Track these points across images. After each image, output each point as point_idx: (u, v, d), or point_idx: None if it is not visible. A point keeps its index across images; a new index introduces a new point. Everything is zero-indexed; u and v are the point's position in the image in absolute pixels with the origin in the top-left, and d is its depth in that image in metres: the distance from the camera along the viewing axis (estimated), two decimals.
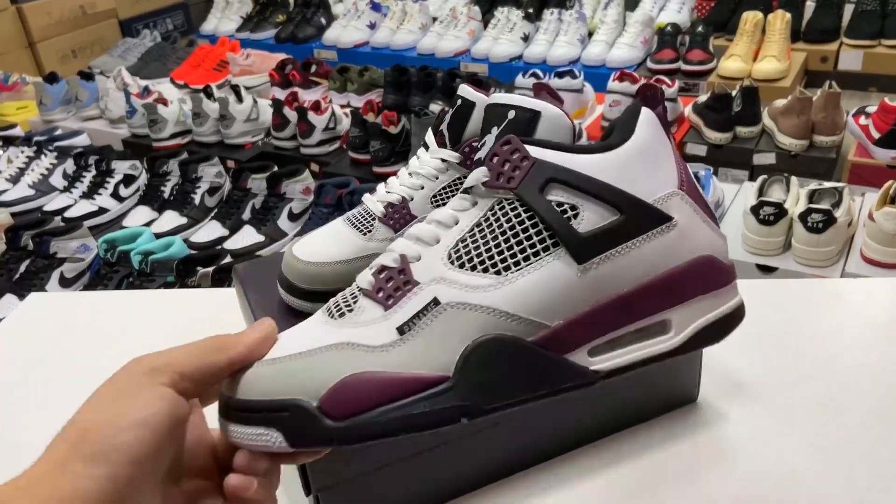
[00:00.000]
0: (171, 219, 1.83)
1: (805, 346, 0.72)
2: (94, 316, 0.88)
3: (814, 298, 0.80)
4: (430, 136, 0.60)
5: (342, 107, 2.27)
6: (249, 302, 0.62)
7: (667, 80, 2.04)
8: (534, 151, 0.38)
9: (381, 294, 0.39)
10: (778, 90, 2.26)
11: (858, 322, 0.75)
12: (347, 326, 0.38)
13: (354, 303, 0.40)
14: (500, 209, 0.38)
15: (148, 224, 1.82)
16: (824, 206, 1.41)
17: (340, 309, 0.40)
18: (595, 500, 0.56)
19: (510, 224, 0.37)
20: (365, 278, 0.41)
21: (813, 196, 1.48)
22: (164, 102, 2.27)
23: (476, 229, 0.38)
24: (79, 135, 2.33)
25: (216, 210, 1.85)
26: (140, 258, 1.46)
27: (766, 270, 1.48)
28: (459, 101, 0.58)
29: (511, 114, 0.44)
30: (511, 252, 0.37)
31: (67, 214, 1.90)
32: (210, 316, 0.85)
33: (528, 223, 0.37)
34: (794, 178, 1.55)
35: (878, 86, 2.50)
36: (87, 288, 1.56)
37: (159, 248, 1.53)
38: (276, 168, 1.81)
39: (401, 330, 0.37)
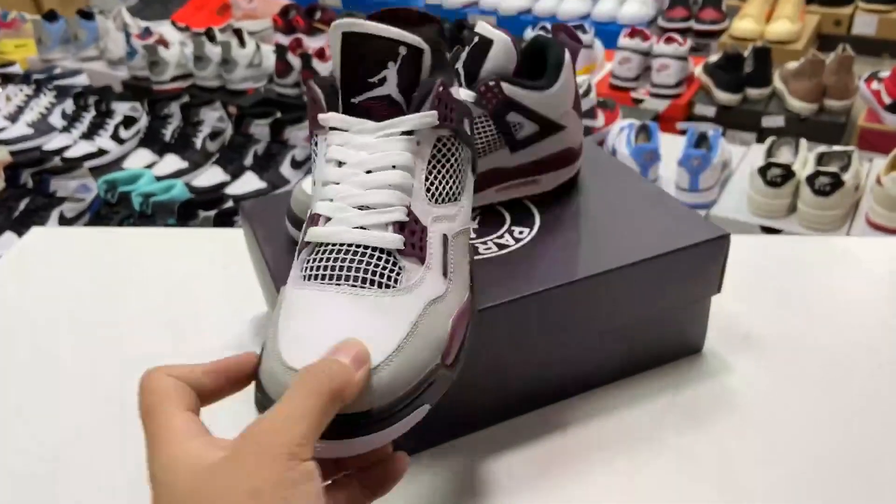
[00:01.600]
0: (172, 162, 1.81)
1: (812, 300, 0.71)
2: (97, 251, 0.87)
3: (822, 255, 0.79)
4: None
5: None
6: (258, 239, 0.62)
7: (678, 38, 2.00)
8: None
9: (414, 249, 0.38)
10: (790, 52, 2.23)
11: (866, 279, 0.75)
12: (410, 291, 0.37)
13: (395, 265, 0.37)
14: (442, 145, 0.41)
15: (149, 167, 1.80)
16: (832, 168, 1.40)
17: (386, 277, 0.37)
18: (595, 444, 0.56)
19: (455, 158, 0.42)
20: (389, 238, 0.38)
21: (821, 159, 1.46)
22: (165, 45, 2.23)
23: (430, 167, 0.40)
24: (78, 74, 2.29)
25: (218, 155, 1.83)
26: (141, 200, 1.44)
27: (771, 233, 1.47)
28: (477, 39, 0.57)
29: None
30: (458, 181, 0.42)
31: (67, 155, 1.88)
32: (215, 254, 0.84)
33: (460, 152, 0.42)
34: (803, 141, 1.54)
35: (891, 52, 2.46)
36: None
37: (160, 191, 1.51)
38: (279, 114, 1.79)
39: (445, 273, 0.39)
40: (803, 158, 1.49)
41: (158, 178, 1.69)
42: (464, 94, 0.57)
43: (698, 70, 2.06)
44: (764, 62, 1.93)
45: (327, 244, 0.37)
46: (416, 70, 0.39)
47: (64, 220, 1.54)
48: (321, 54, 2.08)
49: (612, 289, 0.56)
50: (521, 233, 0.60)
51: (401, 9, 0.42)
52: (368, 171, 0.38)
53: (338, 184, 0.39)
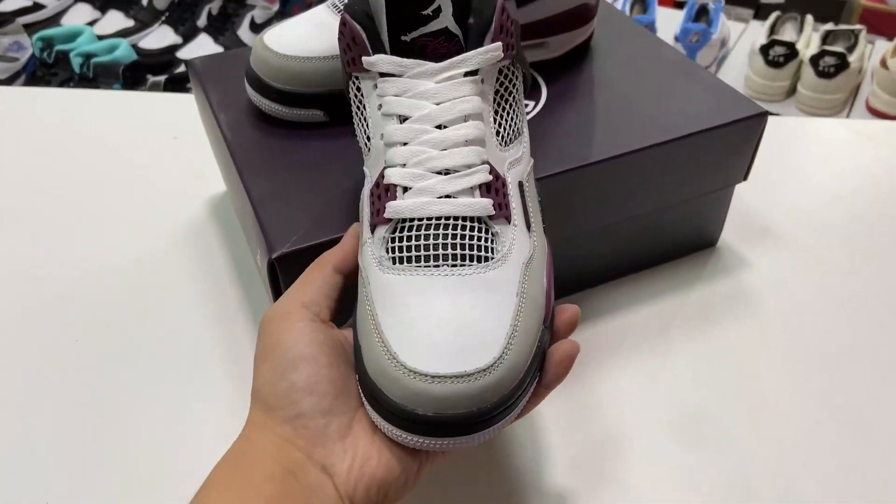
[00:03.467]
0: (116, 20, 1.62)
1: (831, 189, 0.65)
2: (33, 115, 0.76)
3: (845, 139, 0.72)
4: None
5: None
6: (211, 104, 0.51)
7: None
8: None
9: (501, 209, 0.33)
10: None
11: (886, 165, 0.68)
12: (506, 259, 0.32)
13: (489, 232, 0.32)
14: (503, 77, 0.36)
15: (90, 24, 1.62)
16: (838, 48, 1.31)
17: (484, 250, 0.31)
18: (604, 343, 0.50)
19: (515, 88, 0.37)
20: (479, 205, 0.32)
21: (826, 38, 1.36)
22: None
23: (496, 107, 0.35)
24: None
25: (167, 13, 1.65)
26: (81, 60, 1.29)
27: None
28: None
29: None
30: (520, 113, 0.37)
31: None
32: (165, 123, 0.73)
33: (517, 78, 0.37)
34: (808, 17, 1.43)
35: None
36: None
37: (103, 51, 1.35)
38: None
39: (528, 226, 0.34)
40: (808, 37, 1.38)
41: (100, 38, 1.51)
42: None
43: None
44: None
45: (412, 219, 0.32)
46: None
47: None
48: None
49: (629, 175, 0.48)
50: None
51: None
52: (439, 126, 0.33)
53: (406, 144, 0.33)
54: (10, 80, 1.41)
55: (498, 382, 0.28)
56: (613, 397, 0.47)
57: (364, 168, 0.36)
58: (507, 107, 0.36)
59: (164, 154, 0.69)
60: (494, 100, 0.35)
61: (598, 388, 0.47)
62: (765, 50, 1.33)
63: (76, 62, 1.30)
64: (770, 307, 0.53)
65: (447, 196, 0.32)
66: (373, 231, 0.33)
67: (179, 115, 0.74)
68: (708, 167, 0.51)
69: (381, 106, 0.33)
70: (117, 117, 0.75)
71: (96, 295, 0.55)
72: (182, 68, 1.39)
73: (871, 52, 1.48)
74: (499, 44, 0.33)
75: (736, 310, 0.53)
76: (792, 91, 1.37)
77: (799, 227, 0.60)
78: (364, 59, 0.33)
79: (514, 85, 0.36)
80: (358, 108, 0.36)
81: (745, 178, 0.54)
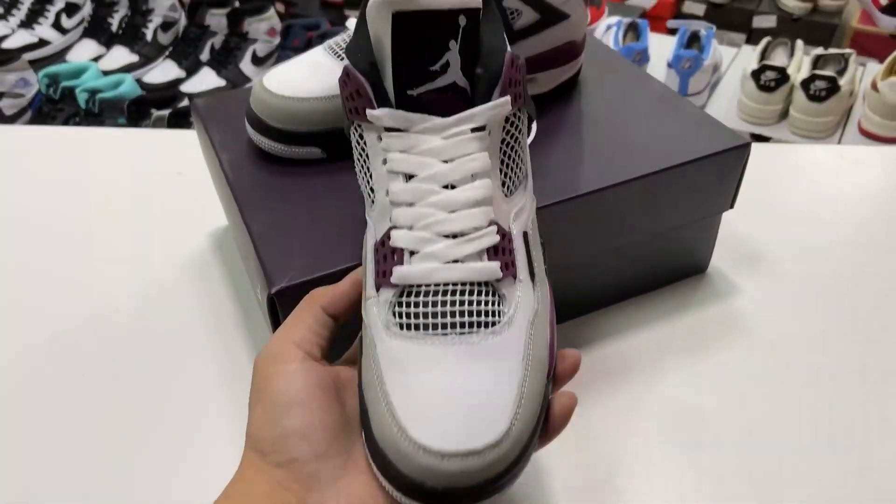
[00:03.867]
0: (121, 55, 1.66)
1: (819, 214, 0.66)
2: (39, 153, 0.78)
3: (830, 165, 0.74)
4: None
5: None
6: (213, 142, 0.53)
7: None
8: None
9: (507, 269, 0.32)
10: None
11: (878, 190, 0.70)
12: (513, 321, 0.32)
13: (496, 295, 0.32)
14: (510, 125, 0.35)
15: (94, 60, 1.65)
16: (829, 72, 1.33)
17: (492, 314, 0.31)
18: (598, 369, 0.51)
19: (520, 133, 0.36)
20: (488, 270, 0.32)
21: (817, 62, 1.39)
22: None
23: (502, 157, 0.34)
24: None
25: (171, 48, 1.68)
26: (87, 96, 1.32)
27: (760, 140, 1.41)
28: None
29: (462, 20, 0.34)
30: (525, 157, 0.37)
31: (4, 45, 1.71)
32: (169, 159, 0.75)
33: (523, 123, 0.36)
34: (799, 42, 1.46)
35: None
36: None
37: (108, 87, 1.38)
38: (237, 3, 1.64)
39: (533, 278, 0.34)
40: (798, 61, 1.41)
41: (105, 73, 1.55)
42: None
43: None
44: None
45: (420, 285, 0.31)
46: (475, 37, 0.32)
47: (2, 118, 1.41)
48: None
49: (618, 205, 0.49)
50: None
51: None
52: (446, 187, 0.32)
53: (412, 205, 0.32)
54: (16, 116, 1.44)
55: (507, 453, 0.29)
56: (605, 422, 0.48)
57: (367, 217, 0.35)
58: (513, 154, 0.35)
59: (168, 189, 0.71)
60: (501, 149, 0.34)
61: (590, 413, 0.49)
62: (756, 75, 1.36)
63: (82, 98, 1.33)
64: (760, 332, 0.55)
65: (455, 261, 0.31)
66: (378, 290, 0.32)
67: (183, 151, 0.76)
68: (694, 196, 0.53)
69: (385, 160, 0.33)
70: (123, 154, 0.77)
71: (101, 328, 0.56)
72: (185, 102, 1.41)
73: (863, 74, 1.50)
74: (507, 97, 0.33)
75: (727, 334, 0.54)
76: (784, 114, 1.39)
77: (787, 252, 0.62)
78: (368, 111, 0.32)
79: (519, 131, 0.35)
80: (360, 155, 0.35)
81: (731, 206, 0.55)
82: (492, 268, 0.31)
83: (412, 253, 0.32)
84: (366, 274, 0.34)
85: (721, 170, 0.52)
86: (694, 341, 0.54)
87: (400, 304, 0.31)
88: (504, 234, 0.33)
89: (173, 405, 0.50)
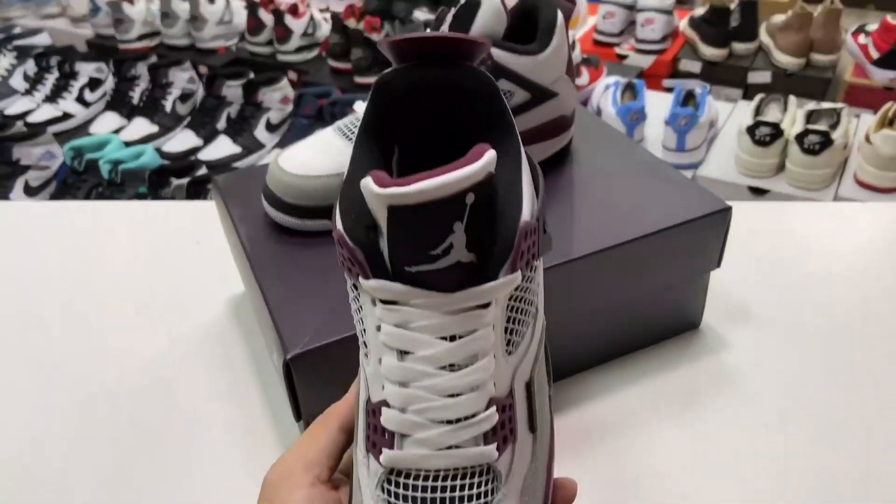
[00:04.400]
0: (141, 126, 1.73)
1: (809, 269, 0.69)
2: (63, 227, 0.82)
3: (818, 221, 0.77)
4: None
5: (321, 11, 2.15)
6: (231, 216, 0.57)
7: None
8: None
9: (506, 443, 0.30)
10: (776, 5, 2.17)
11: (865, 246, 0.73)
12: (508, 495, 0.30)
13: (489, 473, 0.30)
14: (519, 289, 0.31)
15: (116, 132, 1.73)
16: (822, 127, 1.37)
17: (485, 495, 0.30)
18: (593, 423, 0.54)
19: (535, 284, 0.32)
20: (484, 455, 0.30)
21: (810, 117, 1.43)
22: (131, 1, 2.12)
23: (508, 320, 0.31)
24: (39, 33, 2.19)
25: (189, 118, 1.76)
26: (109, 167, 1.38)
27: (759, 193, 1.45)
28: (464, 0, 0.53)
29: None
30: (536, 307, 0.34)
31: (30, 119, 1.80)
32: (188, 229, 0.80)
33: (538, 272, 0.34)
34: (791, 98, 1.51)
35: (876, 2, 2.42)
36: (53, 198, 1.49)
37: (129, 157, 1.45)
38: (252, 75, 1.72)
39: (532, 428, 0.32)
40: (792, 116, 1.46)
41: (127, 144, 1.62)
42: None
43: (683, 24, 2.01)
44: (750, 16, 1.89)
45: (410, 470, 0.30)
46: (485, 211, 0.27)
47: (29, 190, 1.48)
48: (294, 10, 2.00)
49: (609, 267, 0.53)
50: None
51: (432, 40, 0.30)
52: (445, 367, 0.29)
53: (405, 385, 0.29)
54: (41, 188, 1.51)
55: None
56: (602, 478, 0.50)
57: (361, 357, 0.32)
58: (521, 314, 0.31)
59: (187, 257, 0.75)
60: (507, 315, 0.30)
61: (586, 470, 0.51)
62: (751, 130, 1.40)
63: (105, 169, 1.39)
64: (753, 386, 0.57)
65: (449, 447, 0.29)
66: (367, 454, 0.31)
67: (202, 222, 0.80)
68: (682, 257, 0.56)
69: (379, 328, 0.29)
70: (144, 225, 0.82)
71: (121, 393, 0.59)
72: (203, 170, 1.48)
73: (857, 125, 1.54)
74: (518, 273, 0.29)
75: (720, 389, 0.57)
76: (781, 167, 1.43)
77: (777, 307, 0.65)
78: (363, 281, 0.29)
79: (534, 282, 0.32)
80: (355, 307, 0.32)
81: (718, 265, 0.58)
82: (487, 452, 0.29)
83: (403, 437, 0.29)
84: (357, 424, 0.32)
85: (706, 232, 0.55)
86: (688, 396, 0.56)
87: (389, 482, 0.30)
88: (504, 407, 0.30)
89: (191, 470, 0.53)
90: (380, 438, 0.30)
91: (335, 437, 0.34)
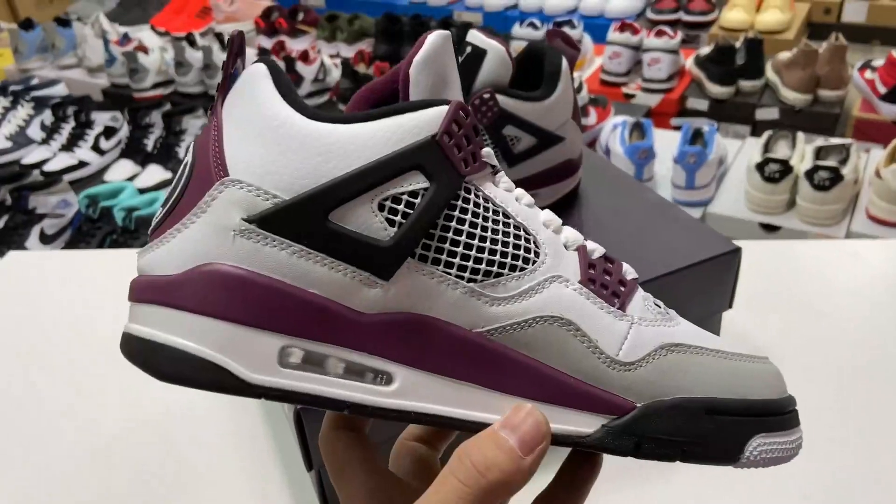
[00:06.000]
0: (155, 173, 1.76)
1: (824, 307, 0.68)
2: (78, 276, 0.83)
3: (830, 259, 0.76)
4: None
5: (331, 57, 2.19)
6: None
7: (669, 31, 1.97)
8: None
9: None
10: (781, 42, 2.20)
11: (878, 283, 0.72)
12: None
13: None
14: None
15: (131, 178, 1.75)
16: (831, 163, 1.37)
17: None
18: (607, 464, 0.53)
19: None
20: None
21: (819, 153, 1.43)
22: (145, 51, 2.18)
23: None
24: (56, 84, 2.24)
25: None
26: (124, 214, 1.40)
27: (770, 229, 1.44)
28: (469, 49, 0.54)
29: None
30: None
31: (46, 168, 1.83)
32: None
33: None
34: (800, 134, 1.51)
35: (882, 38, 2.44)
36: (68, 245, 1.51)
37: (144, 204, 1.47)
38: None
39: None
40: (801, 152, 1.46)
41: (141, 191, 1.64)
42: None
43: (689, 63, 2.03)
44: (756, 53, 1.91)
45: None
46: None
47: (44, 238, 1.49)
48: (305, 57, 2.04)
49: None
50: None
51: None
52: None
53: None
54: (56, 236, 1.52)
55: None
56: None
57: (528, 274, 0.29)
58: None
59: None
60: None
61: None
62: (760, 167, 1.40)
63: (119, 216, 1.41)
64: None
65: None
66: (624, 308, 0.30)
67: None
68: (692, 299, 0.56)
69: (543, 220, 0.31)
70: None
71: (133, 441, 0.59)
72: None
73: (867, 160, 1.54)
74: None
75: None
76: (792, 203, 1.43)
77: (790, 346, 0.64)
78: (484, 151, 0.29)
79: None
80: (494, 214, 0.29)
81: (730, 306, 0.58)
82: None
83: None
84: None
85: (716, 273, 0.55)
86: None
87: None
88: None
89: None
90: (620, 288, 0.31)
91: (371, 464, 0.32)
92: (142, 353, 0.28)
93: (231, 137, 0.27)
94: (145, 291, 0.27)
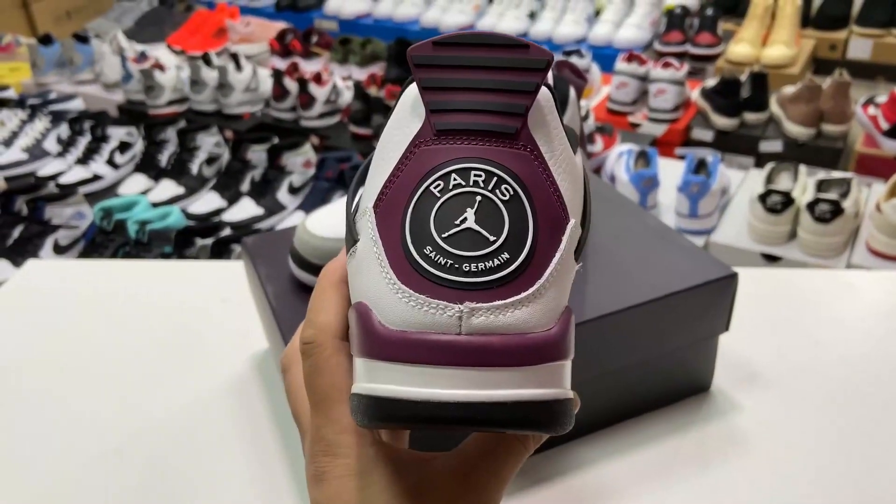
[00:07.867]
0: (168, 188, 1.79)
1: (819, 335, 0.70)
2: (93, 285, 0.86)
3: (826, 288, 0.78)
4: None
5: (343, 79, 2.23)
6: (259, 276, 0.60)
7: (675, 62, 2.01)
8: None
9: None
10: (786, 77, 2.23)
11: (872, 313, 0.74)
12: None
13: None
14: None
15: (144, 192, 1.79)
16: (832, 196, 1.40)
17: None
18: (605, 485, 0.55)
19: None
20: None
21: (821, 186, 1.46)
22: (161, 68, 2.22)
23: None
24: (73, 99, 2.28)
25: (214, 180, 1.82)
26: (137, 227, 1.43)
27: (771, 259, 1.47)
28: None
29: None
30: None
31: (61, 180, 1.87)
32: (212, 287, 0.83)
33: None
34: (802, 167, 1.54)
35: (886, 75, 2.47)
36: (81, 256, 1.53)
37: (157, 218, 1.50)
38: (276, 140, 1.78)
39: None
40: (802, 185, 1.48)
41: (154, 205, 1.67)
42: None
43: (695, 94, 2.07)
44: (761, 87, 1.94)
45: None
46: None
47: (58, 249, 1.52)
48: (318, 78, 2.08)
49: (619, 330, 0.55)
50: None
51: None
52: None
53: None
54: (70, 247, 1.55)
55: None
56: None
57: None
58: None
59: (212, 315, 0.78)
60: None
61: None
62: (763, 198, 1.43)
63: (132, 229, 1.44)
64: (761, 448, 0.58)
65: None
66: None
67: (227, 280, 0.83)
68: (690, 321, 0.58)
69: None
70: (172, 283, 0.85)
71: (146, 448, 0.61)
72: (227, 231, 1.52)
73: (869, 194, 1.57)
74: None
75: (729, 451, 0.58)
76: (793, 235, 1.45)
77: (785, 372, 0.66)
78: None
79: None
80: None
81: (726, 329, 0.60)
82: None
83: None
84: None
85: (713, 297, 0.57)
86: (698, 460, 0.57)
87: None
88: None
89: None
90: None
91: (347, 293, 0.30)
92: (567, 413, 0.28)
93: (557, 172, 0.26)
94: (540, 351, 0.26)
